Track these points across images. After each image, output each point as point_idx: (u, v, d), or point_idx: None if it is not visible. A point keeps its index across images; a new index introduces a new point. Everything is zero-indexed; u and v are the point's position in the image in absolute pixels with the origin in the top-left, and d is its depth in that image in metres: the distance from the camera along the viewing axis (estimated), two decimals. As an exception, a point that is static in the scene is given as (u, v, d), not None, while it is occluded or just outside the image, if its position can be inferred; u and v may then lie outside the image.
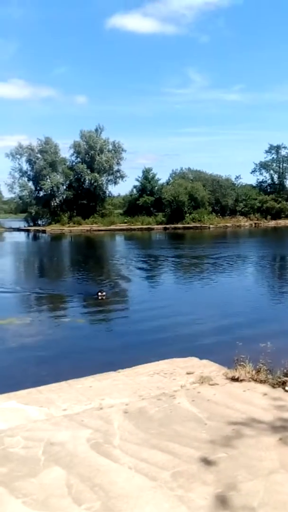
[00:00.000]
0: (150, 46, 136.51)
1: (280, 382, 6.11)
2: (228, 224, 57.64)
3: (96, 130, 65.69)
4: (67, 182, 65.31)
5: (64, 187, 65.79)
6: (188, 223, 56.65)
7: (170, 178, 66.08)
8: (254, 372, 6.40)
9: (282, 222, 59.07)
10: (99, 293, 14.94)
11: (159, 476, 3.95)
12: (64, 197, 65.36)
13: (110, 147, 65.46)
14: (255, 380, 6.25)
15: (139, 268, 25.26)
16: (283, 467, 4.11)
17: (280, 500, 3.63)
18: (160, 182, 66.24)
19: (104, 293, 15.08)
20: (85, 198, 64.03)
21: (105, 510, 3.54)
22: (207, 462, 4.20)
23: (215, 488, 3.79)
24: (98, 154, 63.24)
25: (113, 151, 65.20)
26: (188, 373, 6.58)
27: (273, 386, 6.07)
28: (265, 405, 5.46)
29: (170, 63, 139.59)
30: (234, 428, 4.86)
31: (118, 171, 65.95)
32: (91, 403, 5.59)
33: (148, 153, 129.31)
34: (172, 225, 56.38)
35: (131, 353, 9.62)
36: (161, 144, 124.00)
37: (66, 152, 69.40)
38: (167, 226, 56.64)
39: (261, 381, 6.22)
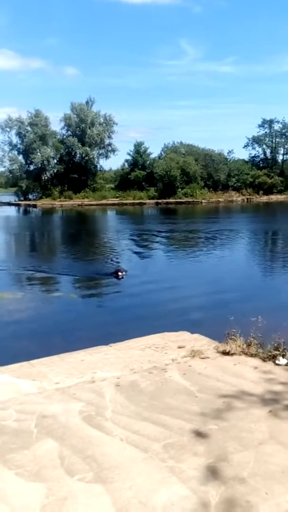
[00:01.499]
0: (142, 16, 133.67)
1: (271, 355, 6.18)
2: (220, 199, 57.42)
3: (87, 102, 64.67)
4: (58, 155, 64.44)
5: (55, 161, 64.96)
6: (180, 198, 56.35)
7: (162, 152, 65.51)
8: (245, 346, 6.46)
9: (274, 198, 59.01)
10: (119, 272, 14.36)
11: (151, 448, 4.00)
12: (55, 171, 64.62)
13: (101, 120, 64.53)
14: (246, 354, 6.32)
15: (132, 244, 25.22)
16: (273, 438, 4.18)
17: (269, 470, 3.70)
18: (152, 156, 65.67)
19: (124, 272, 14.54)
20: (76, 172, 63.36)
21: (97, 481, 3.59)
22: (198, 434, 4.26)
23: (206, 459, 3.85)
24: (89, 127, 62.39)
25: (104, 124, 64.32)
26: (179, 347, 6.63)
27: (264, 359, 6.14)
28: (256, 378, 5.53)
29: (163, 34, 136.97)
30: (225, 400, 4.92)
31: (109, 144, 65.22)
32: (83, 377, 5.62)
33: (140, 127, 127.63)
34: (164, 200, 56.05)
35: (123, 327, 9.65)
36: (153, 117, 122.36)
37: (56, 125, 68.44)
38: (159, 201, 56.31)
39: (251, 355, 6.29)
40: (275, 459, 3.86)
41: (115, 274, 14.46)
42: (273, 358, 6.14)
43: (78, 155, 64.03)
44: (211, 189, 60.21)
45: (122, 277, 14.19)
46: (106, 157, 66.44)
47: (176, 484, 3.53)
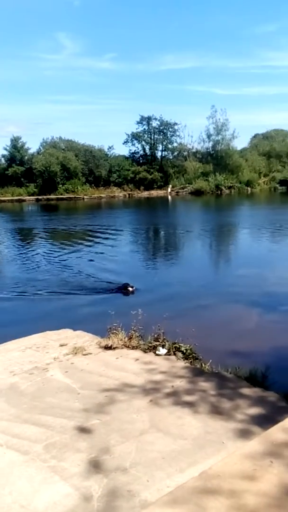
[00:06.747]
0: (18, 7, 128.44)
1: (151, 346, 6.39)
2: (102, 195, 57.73)
3: None
4: None
5: None
6: (61, 194, 55.67)
7: (41, 148, 64.18)
8: (126, 339, 6.60)
9: (155, 193, 60.67)
10: (129, 288, 12.41)
11: (31, 450, 3.94)
12: None
13: (-24, 113, 61.64)
14: (128, 347, 6.46)
15: (11, 242, 24.45)
16: (153, 426, 4.32)
17: (150, 458, 3.82)
18: (31, 151, 64.05)
19: (134, 288, 12.74)
20: None
21: (-25, 491, 3.44)
22: (80, 430, 4.27)
23: (88, 454, 3.87)
24: None
25: (-21, 118, 61.53)
26: (61, 345, 6.58)
27: (145, 351, 6.32)
28: (137, 369, 5.67)
29: (40, 27, 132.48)
30: (107, 394, 4.98)
31: (-15, 139, 62.58)
32: None
33: (19, 121, 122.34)
34: (45, 196, 55.04)
35: (2, 329, 9.32)
36: (33, 111, 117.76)
37: None
38: (40, 197, 55.12)
39: (133, 347, 6.44)
40: (156, 447, 3.99)
41: (124, 290, 12.59)
42: (153, 349, 6.34)
43: None
44: (93, 184, 60.36)
45: (133, 293, 12.45)
46: (-19, 152, 63.53)
47: (58, 483, 3.51)
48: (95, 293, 12.47)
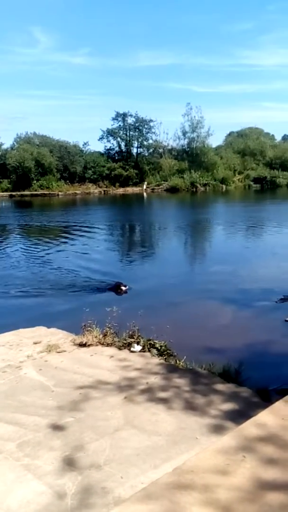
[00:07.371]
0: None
1: (126, 343, 6.39)
2: (78, 191, 57.37)
3: None
4: None
5: None
6: (36, 190, 55.10)
7: (15, 143, 63.38)
8: (101, 336, 6.59)
9: (130, 190, 60.60)
10: (122, 287, 12.07)
11: (4, 449, 3.90)
12: None
13: None
14: (102, 344, 6.45)
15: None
16: (128, 423, 4.33)
17: (124, 455, 3.83)
18: (4, 147, 63.17)
19: (126, 287, 12.29)
20: None
21: None
22: (54, 428, 4.25)
23: (62, 452, 3.86)
24: None
25: None
26: (35, 343, 6.53)
27: (119, 348, 6.33)
28: (112, 366, 5.67)
29: (13, 20, 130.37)
30: (82, 392, 4.96)
31: None
32: None
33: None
34: (19, 193, 54.44)
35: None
36: (7, 106, 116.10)
37: None
38: (13, 193, 54.49)
39: (108, 344, 6.44)
40: (130, 443, 4.00)
41: (116, 289, 12.21)
42: (128, 345, 6.35)
43: None
44: (68, 181, 59.95)
45: (126, 292, 12.10)
46: None
47: (32, 481, 3.49)
48: (86, 293, 12.21)
